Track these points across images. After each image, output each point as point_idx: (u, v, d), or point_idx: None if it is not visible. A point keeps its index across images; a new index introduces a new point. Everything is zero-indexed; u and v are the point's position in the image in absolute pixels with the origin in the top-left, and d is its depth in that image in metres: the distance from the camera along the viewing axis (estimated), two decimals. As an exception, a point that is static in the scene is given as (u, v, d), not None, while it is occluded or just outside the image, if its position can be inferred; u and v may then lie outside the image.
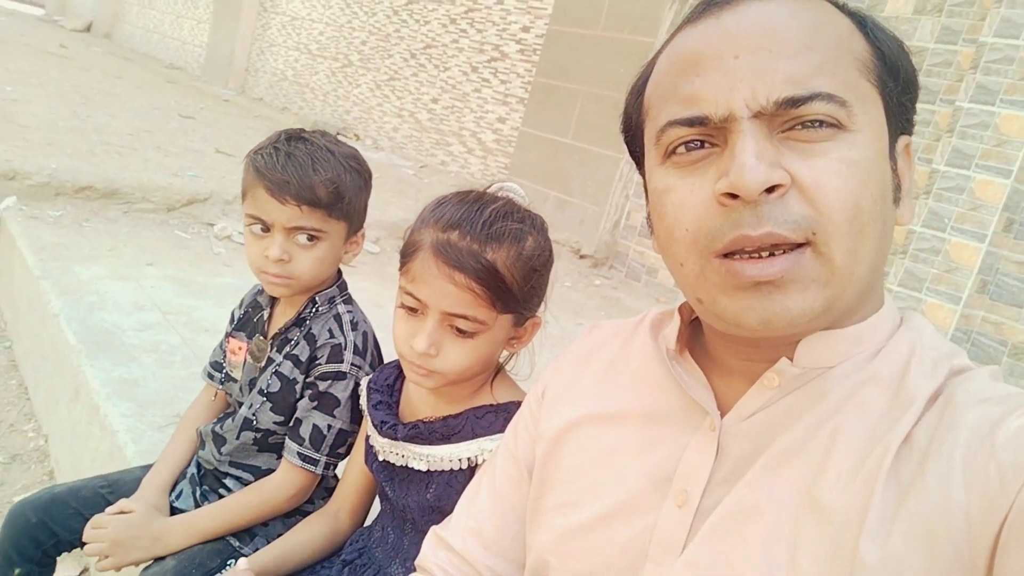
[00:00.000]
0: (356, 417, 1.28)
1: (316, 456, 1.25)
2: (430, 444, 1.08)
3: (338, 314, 1.31)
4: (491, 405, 1.08)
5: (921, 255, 3.29)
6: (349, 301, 1.36)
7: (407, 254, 1.02)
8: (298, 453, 1.24)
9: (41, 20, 13.80)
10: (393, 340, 1.05)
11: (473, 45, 6.48)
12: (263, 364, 1.32)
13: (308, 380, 1.27)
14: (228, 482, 1.33)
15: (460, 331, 0.99)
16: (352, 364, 1.26)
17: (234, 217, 3.85)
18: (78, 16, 14.33)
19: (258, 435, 1.30)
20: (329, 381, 1.25)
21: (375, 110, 7.64)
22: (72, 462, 2.04)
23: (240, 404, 1.34)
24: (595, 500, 0.73)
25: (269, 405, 1.29)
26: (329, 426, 1.25)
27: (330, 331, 1.29)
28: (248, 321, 1.41)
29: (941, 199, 3.23)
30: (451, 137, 6.68)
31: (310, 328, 1.29)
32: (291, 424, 1.28)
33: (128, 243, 3.22)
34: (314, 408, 1.25)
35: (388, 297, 3.21)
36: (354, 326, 1.31)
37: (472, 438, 1.06)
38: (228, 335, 1.42)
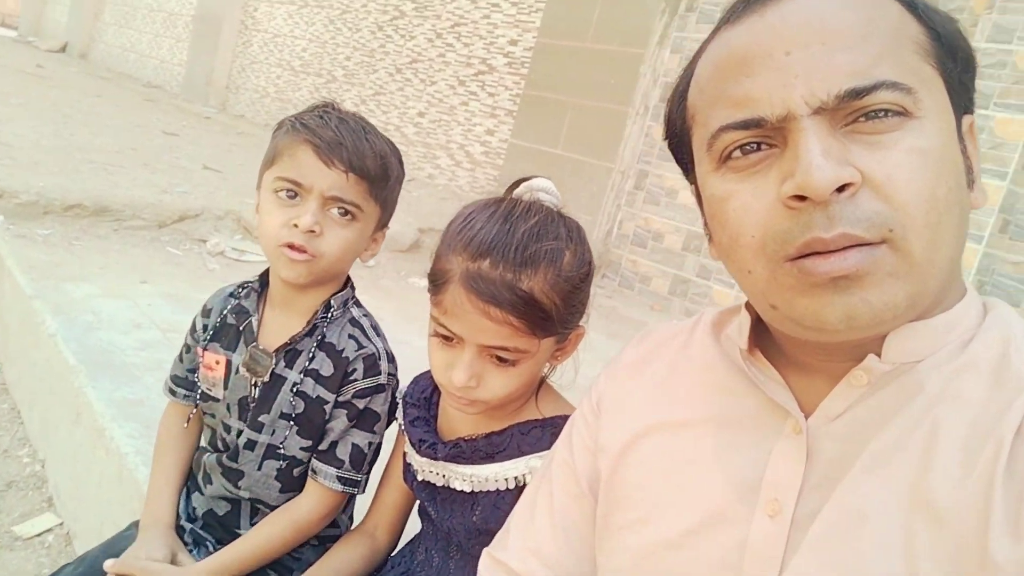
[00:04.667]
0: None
1: (358, 477, 1.17)
2: (473, 463, 1.02)
3: (354, 319, 1.21)
4: (537, 420, 1.03)
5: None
6: (359, 304, 1.25)
7: (436, 283, 0.95)
8: (338, 477, 1.16)
9: (15, 41, 13.63)
10: (431, 368, 1.00)
11: (460, 59, 6.46)
12: (267, 379, 1.17)
13: (342, 400, 1.17)
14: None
15: (501, 360, 0.93)
16: (388, 374, 1.19)
17: (226, 233, 3.78)
18: (52, 36, 14.16)
19: (282, 464, 1.18)
20: (368, 397, 1.17)
21: (360, 125, 7.60)
22: (74, 487, 1.97)
23: (227, 427, 1.21)
24: (673, 515, 0.69)
25: (296, 428, 1.16)
26: (370, 443, 1.18)
27: (355, 340, 1.17)
28: (226, 330, 1.23)
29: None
30: (438, 150, 6.64)
31: (324, 336, 1.17)
32: (324, 448, 1.18)
33: (120, 260, 3.15)
34: (353, 427, 1.17)
35: (387, 310, 3.17)
36: (376, 331, 1.22)
37: (519, 456, 1.00)
38: (202, 348, 1.24)
